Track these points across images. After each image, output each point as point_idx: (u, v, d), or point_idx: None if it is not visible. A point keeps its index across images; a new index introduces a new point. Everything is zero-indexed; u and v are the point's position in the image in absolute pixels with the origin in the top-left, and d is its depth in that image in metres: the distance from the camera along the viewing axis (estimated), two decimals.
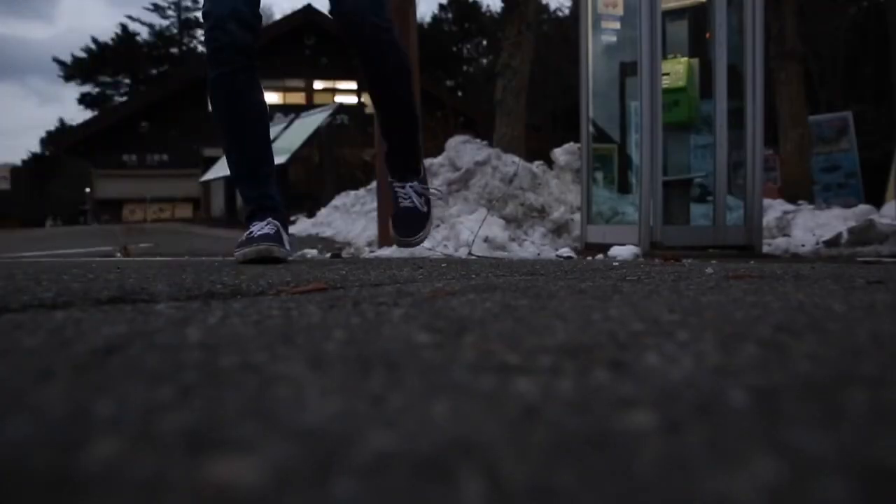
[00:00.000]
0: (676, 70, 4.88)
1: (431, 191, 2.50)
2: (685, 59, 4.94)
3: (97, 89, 41.02)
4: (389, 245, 4.94)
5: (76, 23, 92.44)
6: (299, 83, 26.50)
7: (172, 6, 41.74)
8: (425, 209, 2.48)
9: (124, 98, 37.52)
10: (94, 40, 41.83)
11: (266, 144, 2.37)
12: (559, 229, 6.56)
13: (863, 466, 0.37)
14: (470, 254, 3.93)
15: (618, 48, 5.33)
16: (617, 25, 5.31)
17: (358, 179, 12.33)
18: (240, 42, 2.22)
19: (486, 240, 5.11)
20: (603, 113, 5.54)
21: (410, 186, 2.42)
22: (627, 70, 5.24)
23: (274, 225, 2.32)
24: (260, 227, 2.29)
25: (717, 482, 0.35)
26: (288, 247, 2.37)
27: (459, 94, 31.96)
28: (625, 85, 5.35)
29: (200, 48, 40.71)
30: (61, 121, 46.28)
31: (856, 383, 0.56)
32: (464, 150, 7.48)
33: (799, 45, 10.93)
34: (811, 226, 6.35)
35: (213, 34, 2.25)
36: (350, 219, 8.34)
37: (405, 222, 2.41)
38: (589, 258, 4.12)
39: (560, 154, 7.77)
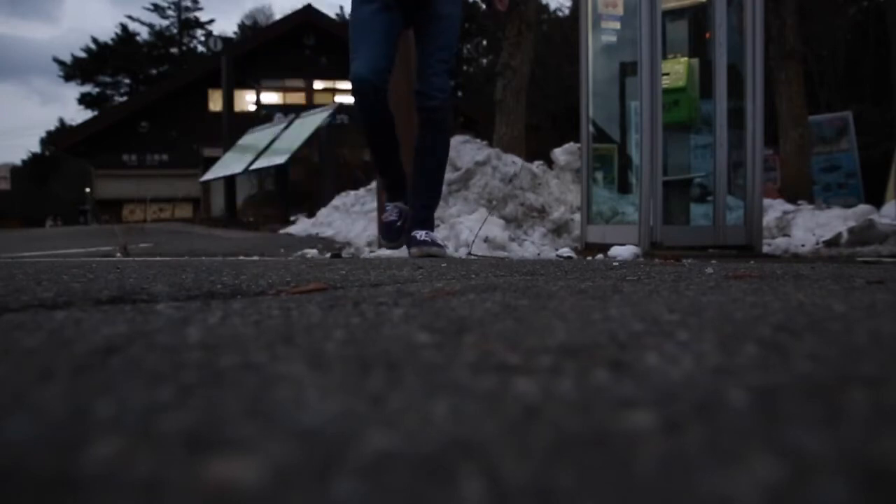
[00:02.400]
0: (676, 70, 4.88)
1: (439, 240, 3.14)
2: (685, 59, 4.94)
3: (97, 89, 41.01)
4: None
5: (79, 23, 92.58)
6: (299, 83, 26.48)
7: (172, 6, 41.74)
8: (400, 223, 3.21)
9: (124, 98, 37.51)
10: (94, 40, 41.84)
11: (400, 166, 3.17)
12: (559, 229, 6.56)
13: (863, 466, 0.37)
14: (470, 254, 3.94)
15: (618, 48, 5.33)
16: (617, 25, 5.31)
17: (358, 179, 12.33)
18: (379, 94, 2.89)
19: (486, 240, 5.11)
20: (603, 113, 5.53)
21: (424, 233, 3.07)
22: (627, 70, 5.23)
23: (398, 209, 3.19)
24: (390, 212, 3.22)
25: (717, 482, 0.35)
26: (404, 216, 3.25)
27: (459, 94, 31.96)
28: (625, 85, 5.35)
29: (200, 48, 40.73)
30: (61, 121, 46.33)
31: (856, 383, 0.56)
32: (464, 150, 7.48)
33: (799, 45, 10.93)
34: (811, 226, 6.35)
35: (360, 96, 2.91)
36: (350, 219, 8.34)
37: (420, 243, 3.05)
38: (589, 258, 4.12)
39: (560, 154, 7.77)
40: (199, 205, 23.08)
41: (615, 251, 4.38)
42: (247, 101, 25.94)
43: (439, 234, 5.40)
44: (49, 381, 0.57)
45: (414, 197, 3.11)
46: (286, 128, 13.42)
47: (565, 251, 4.66)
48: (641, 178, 4.73)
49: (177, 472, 0.36)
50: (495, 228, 5.34)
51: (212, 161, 16.63)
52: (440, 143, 3.04)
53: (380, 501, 0.33)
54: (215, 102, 23.99)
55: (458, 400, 0.51)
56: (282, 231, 9.17)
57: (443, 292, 1.30)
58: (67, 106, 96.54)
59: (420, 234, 3.02)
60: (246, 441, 0.41)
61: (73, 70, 40.48)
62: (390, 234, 3.21)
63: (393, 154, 3.11)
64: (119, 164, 26.28)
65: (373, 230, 6.30)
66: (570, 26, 21.65)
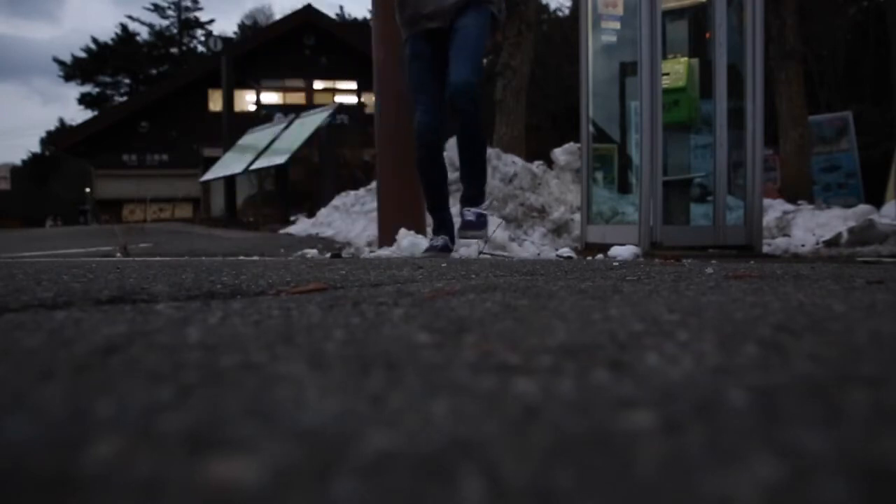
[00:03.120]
0: (676, 70, 4.88)
1: (486, 224, 3.59)
2: (685, 59, 4.93)
3: (97, 89, 41.01)
4: (389, 245, 4.94)
5: (80, 23, 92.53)
6: (299, 83, 26.48)
7: (172, 6, 41.73)
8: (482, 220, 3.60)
9: (124, 98, 37.50)
10: (94, 40, 41.84)
11: (444, 194, 3.65)
12: (559, 229, 6.56)
13: (863, 466, 0.37)
14: (481, 253, 3.98)
15: (618, 48, 5.32)
16: (617, 25, 5.30)
17: (358, 179, 12.33)
18: (433, 138, 3.49)
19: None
20: (603, 113, 5.53)
21: (472, 212, 3.51)
22: (627, 70, 5.23)
23: (444, 239, 3.57)
24: (436, 241, 3.65)
25: (717, 482, 0.35)
26: (452, 245, 3.68)
27: None
28: (625, 85, 5.35)
29: (200, 48, 40.72)
30: (61, 121, 46.32)
31: (856, 383, 0.56)
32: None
33: (799, 45, 10.93)
34: (811, 226, 6.35)
35: (423, 146, 3.49)
36: (350, 219, 8.34)
37: (467, 227, 3.52)
38: (589, 258, 4.12)
39: (560, 154, 7.77)
40: (199, 205, 23.08)
41: (615, 251, 4.38)
42: (247, 101, 25.95)
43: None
44: (49, 381, 0.57)
45: (462, 178, 3.57)
46: (286, 128, 13.42)
47: (565, 251, 4.66)
48: (641, 178, 4.73)
49: (177, 472, 0.36)
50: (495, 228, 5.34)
51: (212, 161, 16.63)
52: (471, 127, 3.38)
53: (380, 501, 0.33)
54: (215, 102, 23.99)
55: (458, 400, 0.51)
56: (282, 231, 9.17)
57: (443, 292, 1.30)
58: (68, 106, 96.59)
59: (467, 214, 3.46)
60: (246, 441, 0.41)
61: (73, 70, 40.47)
62: (433, 251, 3.62)
63: (442, 192, 3.61)
64: (119, 164, 26.27)
65: (373, 230, 6.30)
66: (570, 26, 21.64)
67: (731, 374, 0.60)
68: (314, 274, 1.78)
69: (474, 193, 3.49)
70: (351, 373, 0.60)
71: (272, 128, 14.45)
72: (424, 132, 3.46)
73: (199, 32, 42.10)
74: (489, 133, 9.78)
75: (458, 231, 3.58)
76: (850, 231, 5.20)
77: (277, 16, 39.06)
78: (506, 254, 4.80)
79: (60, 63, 40.53)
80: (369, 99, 22.14)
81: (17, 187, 34.45)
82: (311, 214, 10.10)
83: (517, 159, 7.60)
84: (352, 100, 25.35)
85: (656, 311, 0.99)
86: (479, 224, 3.47)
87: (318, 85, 26.46)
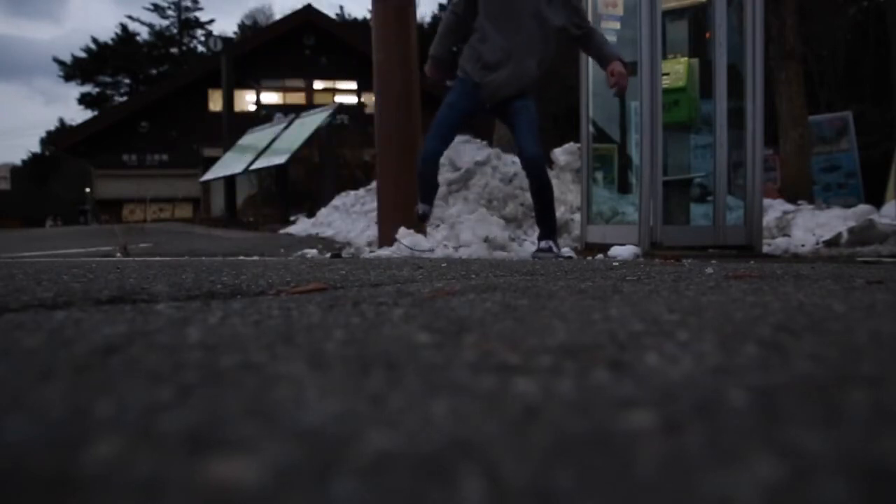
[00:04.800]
0: (676, 70, 4.88)
1: (555, 250, 4.20)
2: (685, 59, 4.93)
3: (97, 89, 40.99)
4: (389, 245, 4.94)
5: (82, 23, 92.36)
6: (299, 83, 26.46)
7: (172, 6, 41.72)
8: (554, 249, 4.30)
9: (124, 98, 37.48)
10: (94, 40, 41.78)
11: (433, 196, 4.39)
12: (559, 229, 6.56)
13: (863, 466, 0.37)
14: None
15: (618, 48, 5.32)
16: (617, 25, 5.30)
17: (358, 179, 12.32)
18: (432, 160, 4.23)
19: (486, 240, 5.11)
20: (603, 113, 5.53)
21: (546, 243, 4.21)
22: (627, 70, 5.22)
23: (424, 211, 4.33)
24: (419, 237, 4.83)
25: (717, 482, 0.35)
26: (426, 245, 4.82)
27: None
28: None
29: (200, 48, 40.70)
30: (61, 121, 46.30)
31: (856, 383, 0.56)
32: (464, 150, 7.49)
33: (799, 45, 10.92)
34: (811, 226, 6.34)
35: (422, 162, 4.24)
36: (350, 219, 8.34)
37: (540, 251, 4.23)
38: (589, 258, 4.12)
39: (560, 154, 7.77)
40: (199, 205, 23.07)
41: (615, 251, 4.38)
42: (247, 101, 25.93)
43: (439, 233, 5.42)
44: (49, 381, 0.57)
45: (537, 222, 4.36)
46: (286, 128, 13.40)
47: (565, 251, 4.66)
48: (641, 178, 4.73)
49: (177, 472, 0.36)
50: (495, 228, 5.34)
51: (212, 161, 16.61)
52: (541, 188, 4.14)
53: (380, 501, 0.33)
54: (215, 102, 23.98)
55: (458, 400, 0.51)
56: (282, 231, 9.17)
57: (443, 292, 1.30)
58: (69, 106, 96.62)
59: (542, 244, 4.23)
60: (246, 441, 0.41)
61: (73, 70, 40.46)
62: (420, 217, 4.39)
63: (432, 192, 4.38)
64: (119, 164, 26.25)
65: (373, 230, 6.30)
66: None
67: (731, 374, 0.60)
68: (314, 274, 1.78)
69: (546, 233, 4.28)
70: (351, 373, 0.60)
71: (272, 128, 14.44)
72: (427, 156, 4.21)
73: (199, 32, 42.08)
74: (489, 133, 9.77)
75: (533, 253, 4.37)
76: (850, 231, 5.20)
77: (277, 16, 39.06)
78: (504, 254, 4.80)
79: (60, 63, 40.52)
80: (369, 99, 22.10)
81: (17, 187, 34.46)
82: (311, 214, 10.09)
83: (517, 159, 7.59)
84: (352, 100, 25.34)
85: (656, 311, 0.99)
86: (548, 251, 4.20)
87: (318, 85, 26.44)
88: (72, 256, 4.94)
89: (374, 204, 6.13)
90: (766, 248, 5.15)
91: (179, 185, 22.51)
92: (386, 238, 5.19)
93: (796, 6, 10.85)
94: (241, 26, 42.45)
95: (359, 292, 1.34)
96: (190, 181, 22.30)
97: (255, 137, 14.35)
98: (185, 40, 42.47)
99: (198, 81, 25.47)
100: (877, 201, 9.30)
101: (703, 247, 4.88)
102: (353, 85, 25.66)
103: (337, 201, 9.32)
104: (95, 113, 35.64)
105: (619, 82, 3.96)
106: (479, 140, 7.91)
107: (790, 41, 10.51)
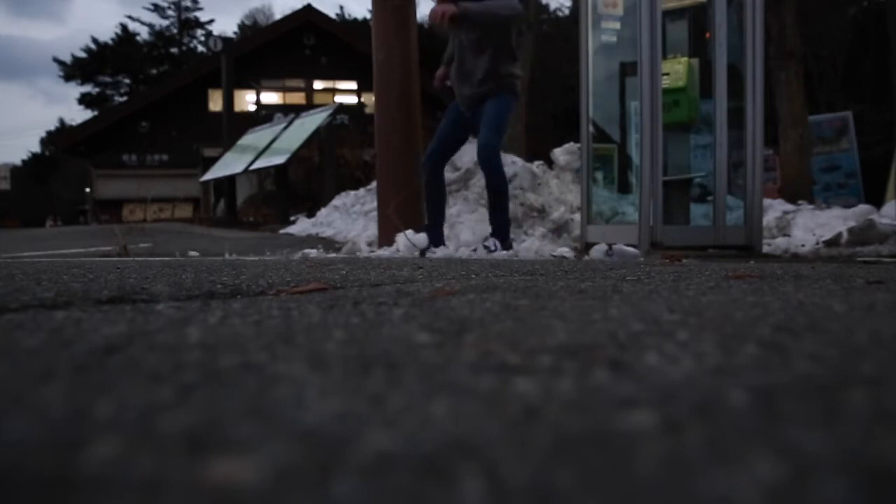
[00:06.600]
0: (676, 70, 4.87)
1: (494, 249, 4.28)
2: (685, 59, 4.93)
3: (97, 89, 40.98)
4: (389, 245, 4.94)
5: (85, 23, 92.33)
6: (299, 83, 26.46)
7: (172, 6, 41.70)
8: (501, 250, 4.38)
9: (124, 98, 37.46)
10: (95, 40, 41.74)
11: (442, 211, 4.65)
12: (559, 229, 6.56)
13: (863, 466, 0.37)
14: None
15: (618, 48, 5.32)
16: (617, 25, 5.30)
17: (358, 179, 12.32)
18: (437, 165, 4.54)
19: (485, 239, 5.11)
20: (603, 113, 5.53)
21: (493, 241, 4.34)
22: (627, 70, 5.23)
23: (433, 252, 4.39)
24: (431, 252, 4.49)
25: (717, 482, 0.35)
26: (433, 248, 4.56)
27: None
28: (625, 85, 5.34)
29: (200, 48, 40.68)
30: (61, 121, 46.27)
31: (856, 383, 0.56)
32: (463, 150, 7.46)
33: (799, 45, 10.92)
34: (811, 226, 6.34)
35: (424, 168, 4.54)
36: (350, 219, 8.35)
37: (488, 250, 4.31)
38: (587, 258, 4.12)
39: (560, 154, 7.77)
40: (199, 205, 23.07)
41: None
42: (247, 101, 25.93)
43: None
44: (49, 381, 0.57)
45: (490, 220, 4.50)
46: (286, 128, 13.40)
47: (565, 251, 4.66)
48: (641, 178, 4.72)
49: (177, 472, 0.36)
50: None
51: (212, 161, 16.61)
52: (490, 177, 4.30)
53: (380, 501, 0.33)
54: (215, 102, 23.97)
55: (458, 400, 0.51)
56: (282, 231, 9.17)
57: (443, 292, 1.30)
58: (69, 106, 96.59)
59: (487, 242, 4.36)
60: (246, 441, 0.41)
61: (73, 70, 40.44)
62: (420, 251, 4.48)
63: (440, 206, 4.59)
64: (119, 164, 26.24)
65: (373, 230, 6.30)
66: (570, 26, 21.64)
67: (731, 374, 0.60)
68: (314, 274, 1.78)
69: (494, 229, 4.44)
70: (351, 373, 0.60)
71: (272, 128, 14.43)
72: (429, 157, 4.55)
73: (199, 32, 42.05)
74: None
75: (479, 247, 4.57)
76: (850, 231, 5.19)
77: (277, 16, 39.02)
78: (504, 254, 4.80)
79: (60, 63, 40.51)
80: (369, 99, 22.09)
81: (17, 187, 34.44)
82: (311, 214, 10.09)
83: (517, 159, 7.60)
84: (352, 100, 25.34)
85: (656, 311, 0.99)
86: (489, 249, 4.35)
87: (318, 85, 26.43)
88: (72, 256, 4.94)
89: (374, 204, 6.12)
90: (766, 248, 5.15)
91: (179, 185, 22.51)
92: (386, 238, 5.19)
93: (796, 6, 10.85)
94: (241, 26, 42.43)
95: (359, 292, 1.34)
96: (190, 181, 22.30)
97: (255, 137, 14.35)
98: (185, 40, 42.45)
99: (198, 81, 25.46)
100: (877, 201, 9.29)
101: (703, 247, 4.88)
102: (353, 85, 25.65)
103: (337, 201, 9.32)
104: (95, 113, 35.63)
105: (434, 12, 4.31)
106: None
107: (790, 41, 10.51)
